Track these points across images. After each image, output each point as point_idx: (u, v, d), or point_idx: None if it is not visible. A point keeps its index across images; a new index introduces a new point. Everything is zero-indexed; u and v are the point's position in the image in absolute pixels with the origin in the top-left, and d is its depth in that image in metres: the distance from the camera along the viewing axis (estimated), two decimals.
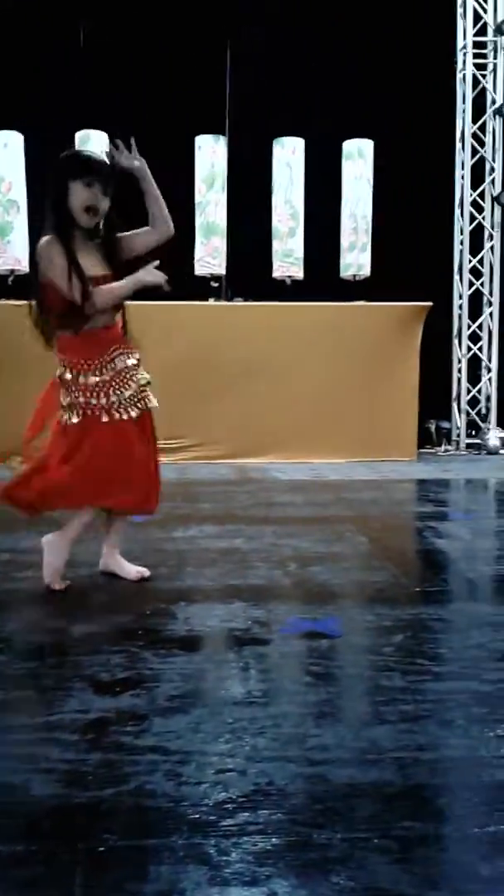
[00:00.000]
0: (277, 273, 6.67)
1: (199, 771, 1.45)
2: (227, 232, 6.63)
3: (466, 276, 7.34)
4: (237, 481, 5.29)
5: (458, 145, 7.40)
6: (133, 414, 2.58)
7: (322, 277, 6.67)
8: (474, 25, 7.27)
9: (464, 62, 7.30)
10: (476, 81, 7.33)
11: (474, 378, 7.50)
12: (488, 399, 7.47)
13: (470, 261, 7.35)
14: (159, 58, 6.90)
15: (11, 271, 6.23)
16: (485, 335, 7.47)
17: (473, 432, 7.45)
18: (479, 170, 7.39)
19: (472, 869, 1.19)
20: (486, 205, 7.40)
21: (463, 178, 7.35)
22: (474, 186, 7.35)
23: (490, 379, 7.44)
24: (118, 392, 2.56)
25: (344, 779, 1.43)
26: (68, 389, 2.56)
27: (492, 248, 7.40)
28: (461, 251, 7.39)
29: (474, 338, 7.46)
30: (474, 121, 7.32)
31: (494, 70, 7.32)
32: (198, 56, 7.00)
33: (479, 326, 7.46)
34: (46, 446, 2.63)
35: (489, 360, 7.45)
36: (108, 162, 2.58)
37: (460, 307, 7.40)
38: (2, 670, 1.98)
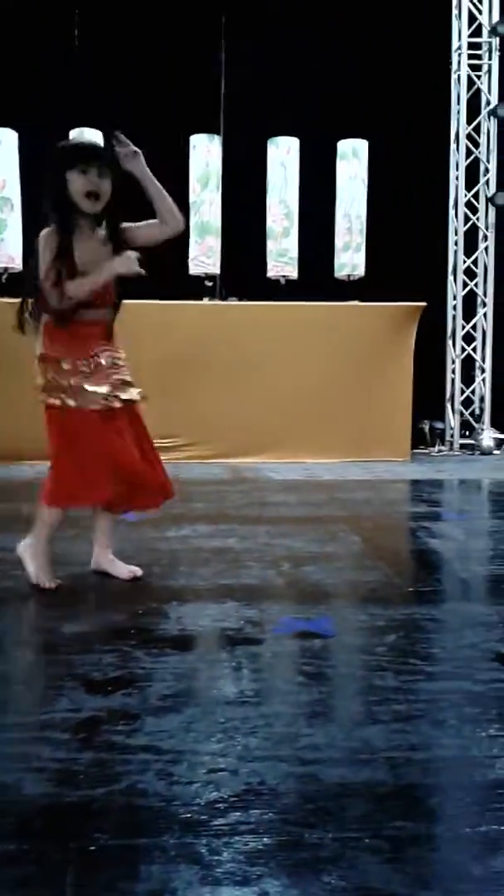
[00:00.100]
0: (272, 273, 6.67)
1: (191, 770, 1.45)
2: (221, 231, 6.63)
3: (461, 276, 7.35)
4: (230, 481, 5.29)
5: (453, 146, 7.42)
6: (96, 407, 2.56)
7: (316, 277, 6.68)
8: (469, 26, 7.28)
9: (458, 63, 7.31)
10: (471, 82, 7.34)
11: (468, 378, 7.51)
12: (482, 399, 7.48)
13: (464, 261, 7.36)
14: (154, 56, 6.90)
15: (5, 269, 6.22)
16: (479, 335, 7.48)
17: (467, 433, 7.47)
18: (473, 170, 7.41)
19: (464, 869, 1.18)
20: (481, 205, 7.41)
21: (457, 178, 7.36)
22: (469, 187, 7.36)
23: (484, 379, 7.46)
24: (94, 385, 2.56)
25: (335, 778, 1.43)
26: (44, 370, 2.56)
27: (486, 248, 7.41)
28: (455, 252, 7.41)
29: (468, 338, 7.48)
30: (469, 121, 7.34)
31: (489, 71, 7.33)
32: (192, 55, 7.00)
33: (473, 327, 7.47)
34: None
35: (483, 361, 7.46)
36: (101, 146, 2.57)
37: (454, 308, 7.41)
38: None
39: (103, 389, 2.56)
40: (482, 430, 7.32)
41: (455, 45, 7.35)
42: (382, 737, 1.59)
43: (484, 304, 7.44)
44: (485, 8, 7.27)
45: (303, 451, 6.30)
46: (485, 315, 7.43)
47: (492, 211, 7.35)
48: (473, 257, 7.41)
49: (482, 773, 1.46)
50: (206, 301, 6.52)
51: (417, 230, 7.15)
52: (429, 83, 7.25)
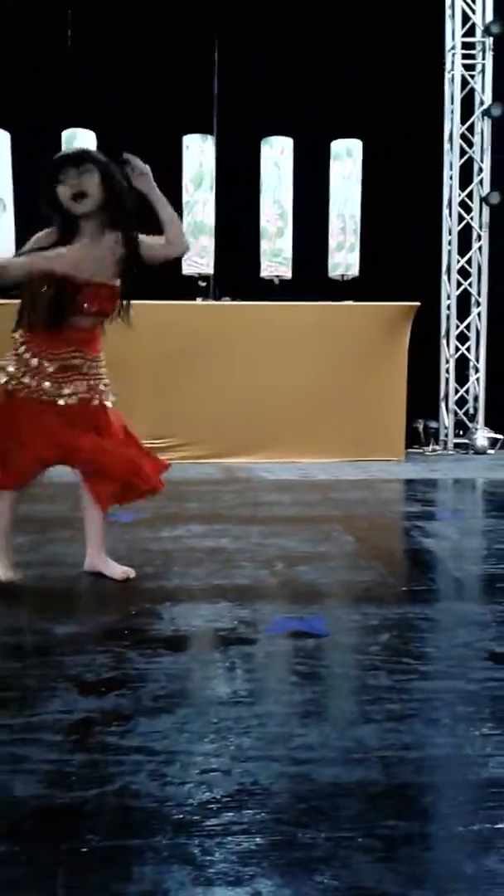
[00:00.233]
0: (266, 273, 6.67)
1: (184, 771, 1.45)
2: (215, 231, 6.63)
3: (454, 276, 7.36)
4: (224, 481, 5.28)
5: (447, 146, 7.42)
6: (59, 402, 2.56)
7: (310, 277, 6.68)
8: (463, 26, 7.28)
9: (452, 63, 7.32)
10: (465, 82, 7.34)
11: (462, 378, 7.51)
12: (476, 399, 7.48)
13: (458, 261, 7.37)
14: (147, 57, 6.89)
15: None
16: (472, 335, 7.49)
17: (461, 432, 7.47)
18: (467, 170, 7.41)
19: (457, 867, 1.18)
20: (475, 205, 7.41)
21: (451, 178, 7.37)
22: (463, 187, 7.37)
23: (478, 379, 7.46)
24: (56, 385, 2.56)
25: (329, 778, 1.43)
26: (13, 358, 2.57)
27: (480, 248, 7.42)
28: (449, 251, 7.41)
29: (462, 338, 7.48)
30: (463, 121, 7.34)
31: (483, 71, 7.33)
32: (185, 55, 6.99)
33: (467, 327, 7.48)
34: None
35: (477, 361, 7.47)
36: (79, 150, 2.57)
37: (448, 307, 7.42)
38: None
39: (48, 386, 2.56)
40: (476, 429, 7.32)
41: (449, 44, 7.36)
42: (376, 736, 1.59)
43: (478, 304, 7.44)
44: (478, 7, 7.27)
45: (297, 450, 6.30)
46: (479, 315, 7.44)
47: (486, 210, 7.35)
48: (467, 257, 7.42)
49: (475, 772, 1.46)
50: (199, 301, 6.51)
51: (411, 230, 7.15)
52: (423, 83, 7.25)
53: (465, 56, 7.31)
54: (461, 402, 7.51)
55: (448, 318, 7.41)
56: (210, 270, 6.60)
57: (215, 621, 2.33)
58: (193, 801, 1.34)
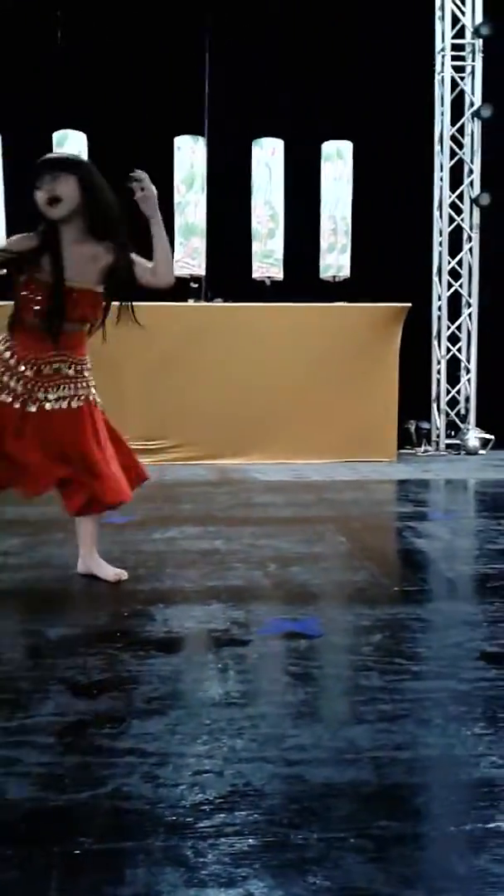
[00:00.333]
0: (257, 274, 6.68)
1: (177, 772, 1.45)
2: (206, 233, 6.63)
3: (445, 277, 7.38)
4: (217, 482, 5.28)
5: (437, 147, 7.44)
6: (31, 408, 2.56)
7: (302, 278, 6.69)
8: (452, 28, 7.31)
9: (442, 64, 7.34)
10: (454, 84, 7.37)
11: (453, 379, 7.53)
12: (467, 400, 7.51)
13: (449, 262, 7.39)
14: (138, 58, 6.89)
15: None
16: (464, 336, 7.51)
17: (453, 433, 7.49)
18: (457, 172, 7.43)
19: (449, 867, 1.19)
20: (465, 206, 7.44)
21: (442, 179, 7.39)
22: (453, 188, 7.39)
23: (469, 380, 7.49)
24: (41, 389, 2.56)
25: (321, 779, 1.43)
26: None
27: (470, 249, 7.44)
28: (440, 253, 7.43)
29: (453, 339, 7.50)
30: (453, 123, 7.36)
31: (473, 72, 7.36)
32: (176, 56, 6.99)
33: (459, 327, 7.50)
34: None
35: (468, 361, 7.49)
36: (54, 156, 2.56)
37: (439, 308, 7.44)
38: None
39: (52, 395, 2.56)
40: (468, 430, 7.34)
41: (438, 46, 7.38)
42: (368, 736, 1.60)
43: (469, 305, 7.46)
44: (468, 9, 7.30)
45: (289, 452, 6.31)
46: (469, 316, 7.46)
47: (476, 212, 7.38)
48: (458, 258, 7.44)
49: (467, 772, 1.46)
50: (191, 303, 6.51)
51: (402, 231, 7.17)
52: (413, 85, 7.27)
53: (454, 58, 7.34)
54: (453, 402, 7.53)
55: (439, 318, 7.43)
56: (202, 272, 6.61)
57: (208, 623, 2.33)
58: (186, 803, 1.34)
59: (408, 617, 2.38)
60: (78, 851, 1.21)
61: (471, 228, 7.42)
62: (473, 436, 7.27)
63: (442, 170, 7.38)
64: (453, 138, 7.38)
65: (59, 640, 2.19)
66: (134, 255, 2.60)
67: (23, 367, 2.56)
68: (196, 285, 6.61)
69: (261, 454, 6.28)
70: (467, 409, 7.49)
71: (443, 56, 7.32)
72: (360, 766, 1.48)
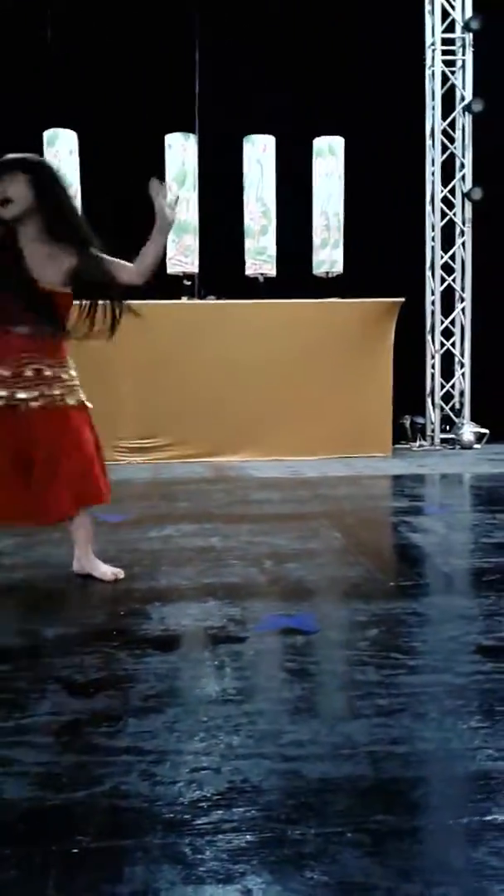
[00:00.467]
0: (250, 271, 6.68)
1: (174, 770, 1.45)
2: (198, 230, 6.62)
3: (438, 272, 7.39)
4: (213, 479, 5.28)
5: (429, 142, 7.45)
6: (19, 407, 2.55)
7: (295, 275, 6.69)
8: (442, 22, 7.31)
9: (432, 59, 7.34)
10: (445, 78, 7.37)
11: (448, 373, 7.55)
12: (462, 394, 7.52)
13: (441, 257, 7.40)
14: (128, 56, 6.88)
15: None
16: (457, 331, 7.52)
17: (448, 427, 7.51)
18: (449, 166, 7.44)
19: (446, 860, 1.19)
20: (457, 201, 7.44)
21: (433, 174, 7.40)
22: (445, 183, 7.40)
23: (463, 374, 7.50)
24: (10, 390, 2.55)
25: (318, 774, 1.43)
26: None
27: (463, 243, 7.45)
28: (433, 247, 7.44)
29: (447, 333, 7.51)
30: (444, 117, 7.37)
31: (463, 66, 7.36)
32: (166, 54, 6.98)
33: (452, 322, 7.51)
34: None
35: (462, 356, 7.50)
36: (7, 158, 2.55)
37: (433, 303, 7.45)
38: None
39: (26, 396, 2.55)
40: (462, 424, 7.36)
41: (429, 41, 7.38)
42: (364, 731, 1.60)
43: (462, 299, 7.48)
44: (457, 3, 7.30)
45: (284, 448, 6.31)
46: (463, 310, 7.47)
47: (468, 206, 7.39)
48: (451, 252, 7.45)
49: (463, 766, 1.47)
50: (184, 300, 6.51)
51: (395, 226, 7.18)
52: (403, 79, 7.28)
53: (445, 52, 7.35)
54: (447, 397, 7.54)
55: (433, 313, 7.45)
56: (195, 269, 6.60)
57: (204, 620, 2.34)
58: (183, 800, 1.34)
59: (403, 611, 2.39)
60: (76, 850, 1.22)
61: (463, 223, 7.43)
62: (468, 430, 7.28)
63: (433, 164, 7.39)
64: (444, 133, 7.39)
65: (55, 639, 2.19)
66: (104, 256, 2.59)
67: (2, 372, 2.54)
68: (189, 283, 6.61)
69: (256, 451, 6.28)
70: (462, 404, 7.50)
71: (433, 51, 7.33)
72: (357, 760, 1.48)
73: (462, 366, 7.51)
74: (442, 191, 7.38)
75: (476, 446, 7.20)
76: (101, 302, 2.67)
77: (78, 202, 6.34)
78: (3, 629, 2.35)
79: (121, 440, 5.98)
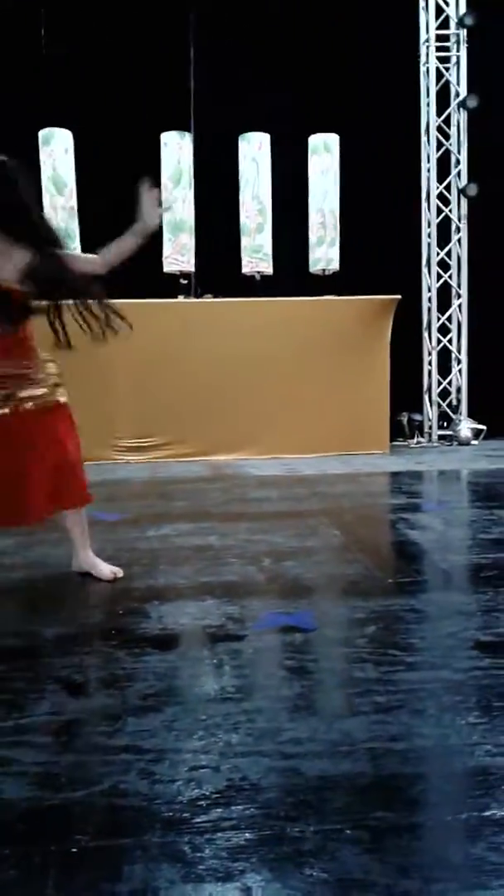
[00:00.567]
0: (246, 269, 6.67)
1: (173, 769, 1.45)
2: (194, 229, 6.62)
3: (434, 268, 7.39)
4: (210, 478, 5.28)
5: (424, 138, 7.44)
6: None
7: (291, 272, 6.69)
8: (437, 18, 7.30)
9: (427, 55, 7.33)
10: (440, 74, 7.37)
11: (445, 370, 7.55)
12: (459, 391, 7.52)
13: (437, 253, 7.39)
14: (123, 55, 6.87)
15: None
16: (454, 327, 7.52)
17: (445, 424, 7.51)
18: (444, 162, 7.44)
19: (445, 856, 1.20)
20: (453, 197, 7.44)
21: (429, 170, 7.39)
22: (440, 179, 7.39)
23: (460, 370, 7.50)
24: None
25: (317, 771, 1.43)
26: None
27: (459, 240, 7.45)
28: (429, 244, 7.44)
29: (444, 330, 7.51)
30: (439, 113, 7.36)
31: (458, 62, 7.36)
32: (161, 52, 6.97)
33: (449, 318, 7.51)
34: None
35: (459, 352, 7.50)
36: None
37: (429, 300, 7.44)
38: None
39: None
40: (460, 420, 7.36)
41: (423, 37, 7.37)
42: (363, 728, 1.60)
43: (458, 296, 7.47)
44: (451, 0, 7.30)
45: (282, 446, 6.31)
46: (459, 306, 7.47)
47: (464, 202, 7.38)
48: (447, 249, 7.45)
49: (462, 762, 1.47)
50: (181, 299, 6.51)
51: (391, 223, 7.18)
52: (398, 76, 7.27)
53: (439, 48, 7.34)
54: (444, 393, 7.54)
55: (429, 310, 7.44)
56: (191, 268, 6.60)
57: (203, 619, 2.34)
58: (182, 799, 1.35)
59: (402, 608, 2.39)
60: (75, 849, 1.22)
61: (459, 219, 7.43)
62: (465, 426, 7.28)
63: (429, 161, 7.38)
64: (440, 129, 7.39)
65: (54, 638, 2.19)
66: (69, 253, 2.57)
67: None
68: (185, 281, 6.61)
69: (253, 449, 6.28)
70: (459, 400, 7.50)
71: (427, 47, 7.32)
72: (356, 757, 1.48)
73: (459, 362, 7.51)
74: (437, 187, 7.37)
75: (473, 442, 7.21)
76: (74, 302, 2.62)
77: (74, 202, 6.37)
78: (2, 629, 2.35)
79: (118, 439, 5.98)
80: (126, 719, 1.66)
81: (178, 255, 6.53)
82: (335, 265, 6.71)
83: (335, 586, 2.74)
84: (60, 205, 6.34)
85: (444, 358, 7.55)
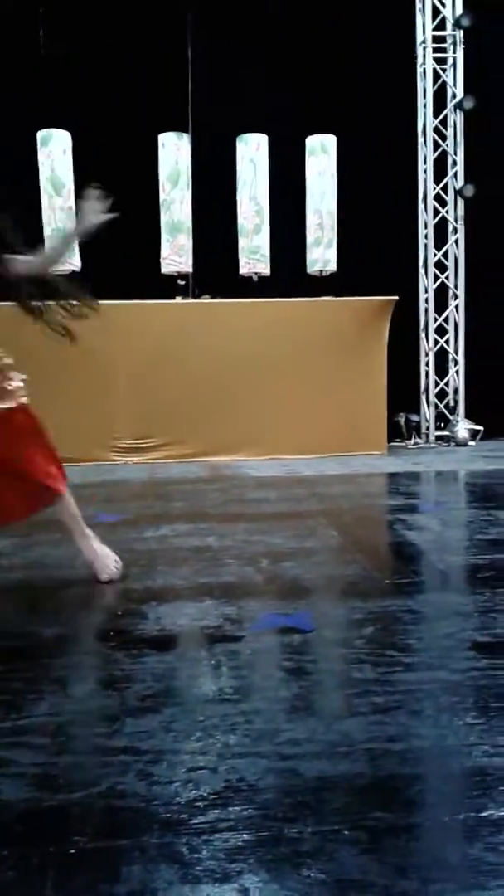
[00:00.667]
0: (244, 270, 6.68)
1: (171, 770, 1.45)
2: (192, 229, 6.62)
3: (431, 269, 7.40)
4: (209, 479, 5.28)
5: (421, 139, 7.45)
6: None
7: (289, 273, 6.70)
8: (433, 20, 7.31)
9: (424, 56, 7.34)
10: (436, 75, 7.38)
11: (442, 371, 7.56)
12: (456, 391, 7.53)
13: (434, 254, 7.40)
14: (121, 56, 6.87)
15: None
16: (451, 328, 7.53)
17: (442, 424, 7.52)
18: (441, 163, 7.45)
19: (442, 857, 1.20)
20: (450, 198, 7.45)
21: (426, 171, 7.40)
22: (437, 180, 7.41)
23: (457, 371, 7.51)
24: None
25: (315, 772, 1.43)
26: None
27: (456, 241, 7.46)
28: (426, 245, 7.45)
29: (441, 331, 7.52)
30: (435, 115, 7.38)
31: (454, 64, 7.37)
32: (159, 53, 6.98)
33: (446, 319, 7.52)
34: None
35: (456, 353, 7.51)
36: None
37: (426, 301, 7.45)
38: None
39: None
40: (457, 421, 7.37)
41: (419, 38, 7.38)
42: (361, 729, 1.60)
43: (455, 297, 7.48)
44: (448, 1, 7.31)
45: (280, 447, 6.32)
46: (456, 307, 7.48)
47: (460, 203, 7.39)
48: (444, 250, 7.46)
49: (459, 762, 1.47)
50: (178, 300, 6.51)
51: (388, 224, 7.19)
52: (395, 77, 7.29)
53: (436, 50, 7.36)
54: (441, 394, 7.55)
55: (426, 311, 7.45)
56: (188, 269, 6.60)
57: (201, 619, 2.34)
58: (180, 800, 1.35)
59: (399, 609, 2.39)
60: (73, 850, 1.22)
61: (456, 220, 7.44)
62: (463, 427, 7.29)
63: (426, 162, 7.39)
64: (436, 130, 7.40)
65: (52, 639, 2.19)
66: (12, 256, 2.57)
67: None
68: (183, 282, 6.61)
69: (251, 450, 6.28)
70: (456, 401, 7.51)
71: (424, 48, 7.33)
72: (354, 758, 1.48)
73: (456, 363, 7.52)
74: (434, 188, 7.38)
75: (471, 443, 7.22)
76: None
77: (72, 202, 6.36)
78: (1, 630, 2.35)
79: (117, 440, 5.98)
80: (124, 720, 1.66)
81: (176, 255, 6.53)
82: (332, 266, 6.72)
83: (333, 587, 2.74)
84: (58, 205, 6.34)
85: (442, 359, 7.56)
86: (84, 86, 6.74)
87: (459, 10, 7.25)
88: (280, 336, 6.29)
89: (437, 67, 7.36)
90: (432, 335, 7.42)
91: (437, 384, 7.48)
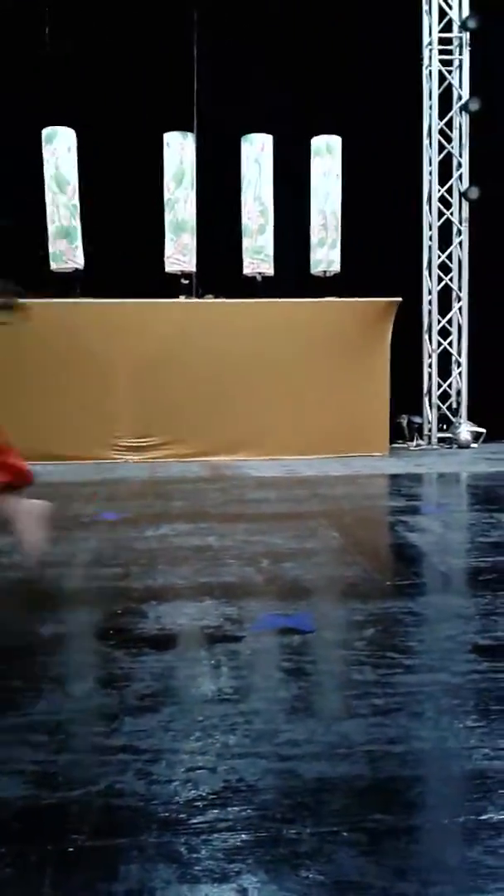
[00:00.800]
0: (248, 270, 6.68)
1: (170, 769, 1.45)
2: (196, 229, 6.62)
3: (435, 271, 7.39)
4: (209, 478, 5.28)
5: (426, 141, 7.45)
6: None
7: (292, 274, 6.69)
8: (439, 22, 7.31)
9: (430, 58, 7.34)
10: (442, 77, 7.37)
11: (445, 373, 7.55)
12: (459, 393, 7.52)
13: (438, 256, 7.40)
14: (126, 55, 6.87)
15: None
16: (454, 330, 7.52)
17: (445, 426, 7.51)
18: (446, 165, 7.44)
19: (442, 859, 1.19)
20: (454, 200, 7.45)
21: (431, 173, 7.39)
22: (442, 182, 7.40)
23: (461, 373, 7.50)
24: None
25: (314, 773, 1.43)
26: None
27: (460, 243, 7.45)
28: (430, 247, 7.44)
29: (444, 333, 7.51)
30: (441, 117, 7.37)
31: (460, 66, 7.36)
32: (165, 53, 6.98)
33: (449, 321, 7.51)
34: None
35: (459, 355, 7.50)
36: None
37: (430, 302, 7.45)
38: None
39: None
40: (459, 423, 7.36)
41: (426, 40, 7.38)
42: (361, 730, 1.60)
43: (459, 299, 7.48)
44: (454, 3, 7.30)
45: (282, 447, 6.31)
46: (460, 309, 7.47)
47: (465, 205, 7.39)
48: (448, 252, 7.45)
49: (459, 765, 1.47)
50: (182, 299, 6.51)
51: (392, 226, 7.18)
52: (401, 79, 7.28)
53: (442, 51, 7.35)
54: (444, 396, 7.54)
55: (430, 312, 7.45)
56: (192, 268, 6.60)
57: (201, 619, 2.33)
58: (179, 800, 1.34)
59: (400, 611, 2.38)
60: (71, 849, 1.21)
61: (460, 222, 7.43)
62: (465, 429, 7.28)
63: (431, 164, 7.39)
64: (442, 132, 7.39)
65: (51, 638, 2.19)
66: None
67: None
68: (187, 282, 6.61)
69: (253, 450, 6.28)
70: (459, 403, 7.50)
71: (430, 50, 7.33)
72: (354, 760, 1.48)
73: (459, 365, 7.51)
74: (439, 190, 7.38)
75: (473, 445, 7.21)
76: None
77: (76, 200, 6.36)
78: (0, 628, 2.35)
79: (118, 439, 5.98)
80: (123, 719, 1.66)
81: (180, 255, 6.53)
82: (336, 267, 6.71)
83: (334, 588, 2.74)
84: (63, 203, 6.33)
85: (445, 361, 7.55)
86: (89, 84, 6.74)
87: (466, 12, 7.24)
88: (283, 336, 6.29)
89: (443, 69, 7.36)
90: (435, 337, 7.41)
91: (439, 386, 7.48)
